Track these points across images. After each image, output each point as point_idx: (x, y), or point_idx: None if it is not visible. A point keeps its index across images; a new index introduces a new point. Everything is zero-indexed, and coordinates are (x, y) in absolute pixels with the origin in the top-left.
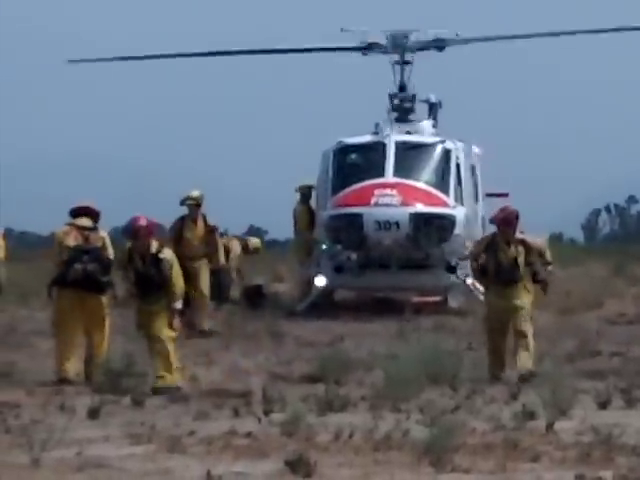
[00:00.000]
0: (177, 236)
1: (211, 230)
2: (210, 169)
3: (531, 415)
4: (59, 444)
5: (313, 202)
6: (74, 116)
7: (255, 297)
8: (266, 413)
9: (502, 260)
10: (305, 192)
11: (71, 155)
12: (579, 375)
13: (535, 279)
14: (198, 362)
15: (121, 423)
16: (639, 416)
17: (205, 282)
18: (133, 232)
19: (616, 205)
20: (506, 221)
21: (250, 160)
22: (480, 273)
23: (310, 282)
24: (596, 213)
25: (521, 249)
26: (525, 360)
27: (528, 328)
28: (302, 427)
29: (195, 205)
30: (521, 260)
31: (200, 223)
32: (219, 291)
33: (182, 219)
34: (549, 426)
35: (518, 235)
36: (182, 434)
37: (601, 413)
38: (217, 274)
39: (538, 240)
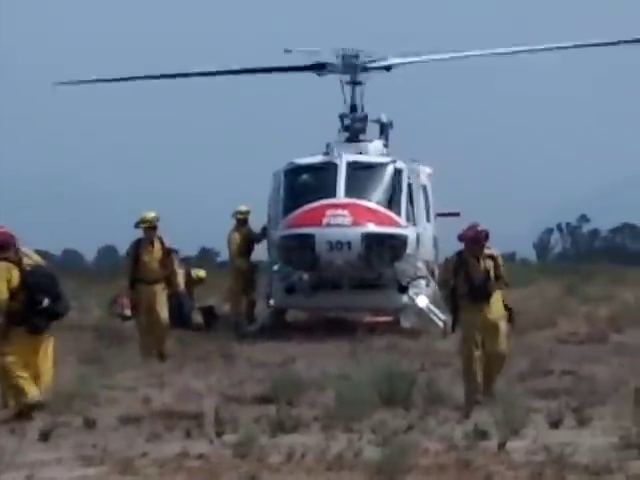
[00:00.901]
0: (134, 260)
1: (168, 252)
2: (161, 188)
3: (483, 435)
4: (10, 467)
5: (251, 226)
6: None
7: (208, 318)
8: (218, 435)
9: (474, 277)
10: (240, 218)
11: (17, 175)
12: (531, 394)
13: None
14: (151, 384)
15: (73, 445)
16: (591, 435)
17: (163, 306)
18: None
19: (568, 224)
20: (475, 240)
21: (202, 180)
22: (452, 297)
23: (252, 306)
24: (548, 232)
25: (490, 263)
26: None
27: (507, 351)
28: (254, 448)
29: (150, 227)
30: (492, 274)
31: (157, 245)
32: (179, 316)
33: (138, 242)
34: (501, 445)
35: (486, 250)
36: (134, 456)
37: (553, 432)
38: (177, 298)
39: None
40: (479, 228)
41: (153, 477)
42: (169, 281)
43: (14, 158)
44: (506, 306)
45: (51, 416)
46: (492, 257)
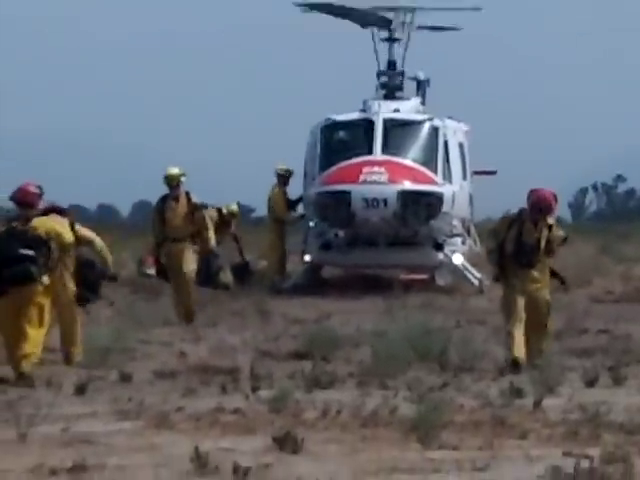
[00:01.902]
0: (160, 217)
1: (195, 209)
2: (198, 147)
3: (519, 393)
4: (46, 420)
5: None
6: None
7: (242, 274)
8: (254, 390)
9: (524, 242)
10: (280, 174)
11: (48, 132)
12: (567, 353)
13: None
14: (186, 339)
15: (108, 399)
16: (626, 394)
17: (189, 264)
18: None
19: (603, 184)
20: (541, 208)
21: (238, 138)
22: (498, 253)
23: (284, 261)
24: (583, 192)
25: (545, 232)
26: (538, 352)
27: (550, 322)
28: (289, 404)
29: (175, 183)
30: (543, 244)
31: (182, 202)
32: (206, 275)
33: (163, 198)
34: (537, 404)
35: (548, 219)
36: (170, 410)
37: (588, 391)
38: (205, 257)
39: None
40: (549, 196)
41: (188, 432)
42: (198, 238)
43: (49, 113)
44: (554, 272)
45: (87, 370)
46: (550, 228)
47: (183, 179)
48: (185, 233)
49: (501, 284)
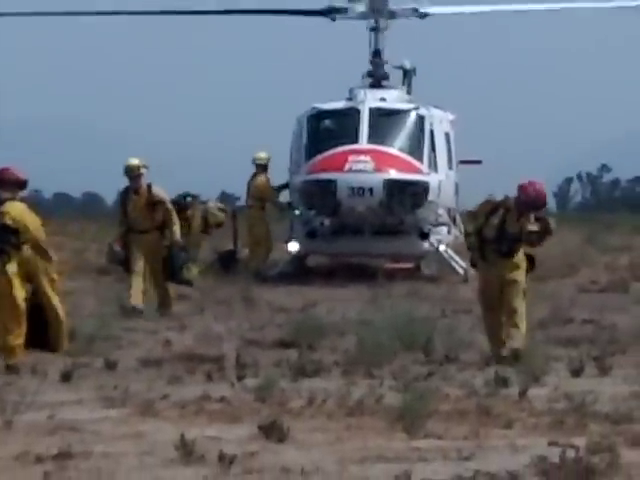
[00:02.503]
0: (123, 208)
1: (158, 201)
2: (183, 135)
3: (504, 382)
4: (31, 407)
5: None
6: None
7: (228, 262)
8: (239, 378)
9: (507, 230)
10: (259, 164)
11: (31, 119)
12: (552, 342)
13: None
14: (171, 326)
15: (94, 386)
16: (612, 383)
17: (152, 256)
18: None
19: (588, 173)
20: (543, 206)
21: (223, 126)
22: (477, 238)
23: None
24: (568, 181)
25: (530, 223)
26: (515, 339)
27: (520, 304)
28: (275, 392)
29: (133, 175)
30: (524, 234)
31: (143, 194)
32: (170, 269)
33: (126, 190)
34: (522, 393)
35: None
36: (155, 398)
37: (574, 380)
38: (169, 250)
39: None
40: (545, 193)
41: (174, 420)
42: (161, 232)
43: (33, 101)
44: (528, 255)
45: (72, 357)
46: (538, 218)
47: (144, 171)
48: (148, 225)
49: (477, 270)
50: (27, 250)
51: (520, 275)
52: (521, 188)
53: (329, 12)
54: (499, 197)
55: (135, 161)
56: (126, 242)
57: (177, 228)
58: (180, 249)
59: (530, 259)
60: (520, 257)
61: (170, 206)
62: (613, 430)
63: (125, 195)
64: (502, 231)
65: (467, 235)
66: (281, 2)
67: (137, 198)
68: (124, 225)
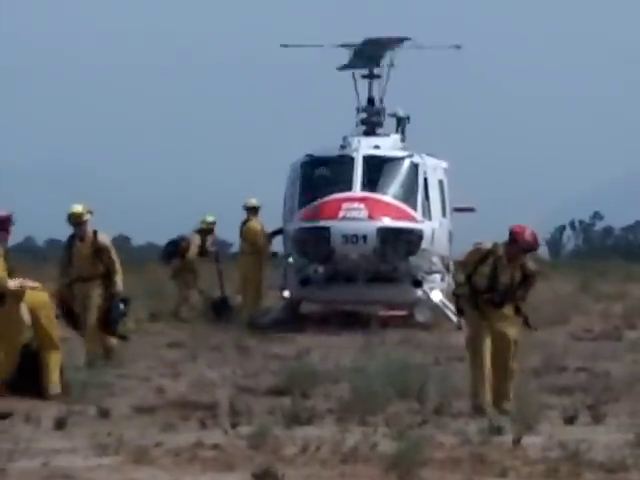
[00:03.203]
0: (68, 257)
1: (102, 249)
2: (176, 181)
3: (498, 430)
4: (25, 454)
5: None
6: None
7: (221, 309)
8: (233, 425)
9: (499, 279)
10: (255, 207)
11: (37, 164)
12: (545, 390)
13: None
14: (164, 373)
15: (87, 434)
16: (606, 432)
17: (89, 307)
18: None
19: (581, 221)
20: (535, 250)
21: (219, 171)
22: (468, 287)
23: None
24: (560, 229)
25: (519, 274)
26: (508, 401)
27: (513, 365)
28: (269, 440)
29: (79, 222)
30: (515, 284)
31: (88, 241)
32: (106, 320)
33: (71, 237)
34: (516, 441)
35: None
36: (149, 445)
37: (568, 429)
38: (109, 301)
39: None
40: (537, 237)
41: (168, 467)
42: (104, 281)
43: (17, 147)
44: (519, 310)
45: (66, 405)
46: (523, 267)
47: (88, 217)
48: (92, 273)
49: (466, 319)
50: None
51: (513, 328)
52: (516, 233)
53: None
54: (487, 244)
55: (79, 208)
56: (68, 296)
57: (119, 278)
58: (120, 301)
59: (516, 308)
60: (508, 306)
61: (114, 255)
62: (607, 479)
63: (70, 242)
64: (494, 280)
65: (459, 285)
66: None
67: (82, 245)
68: (66, 276)
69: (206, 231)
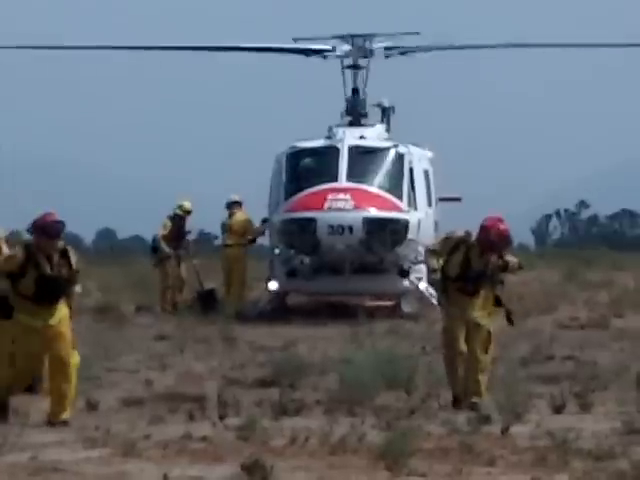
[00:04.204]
0: None
1: None
2: (161, 172)
3: (486, 419)
4: (13, 448)
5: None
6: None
7: (208, 301)
8: (221, 417)
9: (473, 268)
10: (239, 201)
11: (52, 160)
12: (533, 379)
13: (498, 303)
14: (152, 366)
15: (76, 427)
16: (594, 420)
17: None
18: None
19: (566, 210)
20: (504, 249)
21: (204, 162)
22: (441, 275)
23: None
24: (546, 218)
25: (494, 260)
26: (476, 394)
27: (483, 355)
28: (257, 431)
29: None
30: (488, 272)
31: None
32: None
33: None
34: (504, 430)
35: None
36: (137, 438)
37: (556, 417)
38: None
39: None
40: (508, 235)
41: (156, 459)
42: None
43: (15, 141)
44: (499, 302)
45: None
46: (502, 259)
47: None
48: None
49: (441, 310)
50: None
51: (485, 317)
52: (483, 229)
53: (312, 51)
54: (459, 232)
55: None
56: None
57: None
58: None
59: (496, 299)
60: (485, 296)
61: None
62: (596, 467)
63: None
64: (466, 268)
65: (432, 271)
66: (260, 39)
67: None
68: None
69: (181, 217)
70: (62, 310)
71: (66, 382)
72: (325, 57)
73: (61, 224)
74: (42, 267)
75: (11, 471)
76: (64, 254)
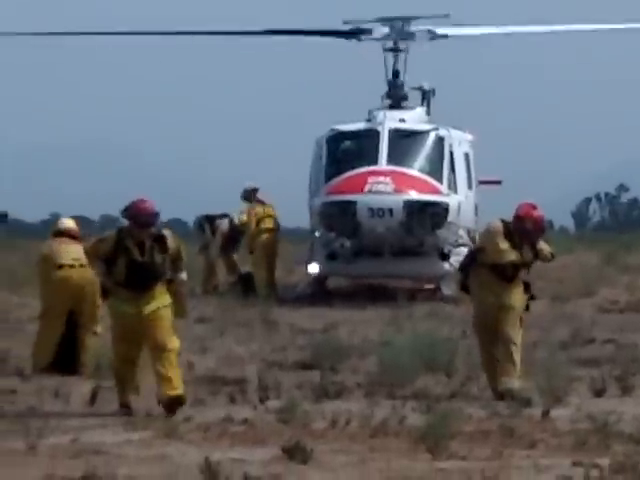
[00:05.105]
0: None
1: None
2: (202, 158)
3: (527, 402)
4: (55, 431)
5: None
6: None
7: (249, 283)
8: (262, 400)
9: (514, 254)
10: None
11: (68, 143)
12: (573, 363)
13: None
14: (193, 349)
15: (117, 409)
16: (634, 403)
17: None
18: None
19: (606, 194)
20: (537, 235)
21: (243, 148)
22: (472, 261)
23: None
24: (586, 202)
25: (528, 248)
26: (510, 378)
27: (516, 334)
28: (298, 414)
29: None
30: (527, 259)
31: None
32: None
33: None
34: (545, 413)
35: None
36: (178, 421)
37: (596, 401)
38: None
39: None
40: (543, 223)
41: (197, 442)
42: None
43: (51, 126)
44: (528, 288)
45: (95, 380)
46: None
47: None
48: None
49: (472, 298)
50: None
51: (518, 301)
52: (518, 219)
53: (352, 34)
54: (496, 223)
55: None
56: None
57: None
58: None
59: (526, 285)
60: (520, 283)
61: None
62: (636, 450)
63: None
64: (508, 255)
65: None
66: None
67: None
68: None
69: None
70: (159, 298)
71: (166, 366)
72: (364, 40)
73: (154, 215)
74: (132, 252)
75: (52, 454)
76: (159, 239)
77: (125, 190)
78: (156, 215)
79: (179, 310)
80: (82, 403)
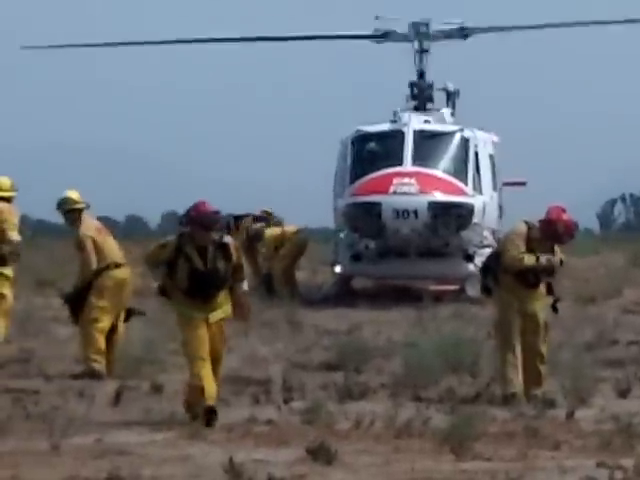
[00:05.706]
0: None
1: None
2: (224, 160)
3: (551, 403)
4: (79, 430)
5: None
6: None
7: (270, 284)
8: (286, 401)
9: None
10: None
11: (89, 144)
12: (598, 364)
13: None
14: None
15: (141, 410)
16: None
17: None
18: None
19: (631, 195)
20: (567, 239)
21: (268, 148)
22: (495, 265)
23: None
24: (611, 203)
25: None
26: (541, 386)
27: (544, 346)
28: (322, 415)
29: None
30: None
31: None
32: None
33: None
34: (569, 415)
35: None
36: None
37: (621, 402)
38: None
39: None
40: (572, 226)
41: (221, 443)
42: None
43: (82, 128)
44: (551, 290)
45: (120, 380)
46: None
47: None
48: None
49: (494, 301)
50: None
51: (543, 309)
52: (549, 222)
53: (376, 36)
54: (521, 225)
55: None
56: None
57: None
58: None
59: (548, 286)
60: (541, 288)
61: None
62: None
63: None
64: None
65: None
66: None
67: None
68: None
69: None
70: (224, 306)
71: (217, 376)
72: (386, 41)
73: (217, 214)
74: (193, 261)
75: (76, 454)
76: (222, 246)
77: (144, 192)
78: (218, 213)
79: (241, 315)
80: (106, 403)
